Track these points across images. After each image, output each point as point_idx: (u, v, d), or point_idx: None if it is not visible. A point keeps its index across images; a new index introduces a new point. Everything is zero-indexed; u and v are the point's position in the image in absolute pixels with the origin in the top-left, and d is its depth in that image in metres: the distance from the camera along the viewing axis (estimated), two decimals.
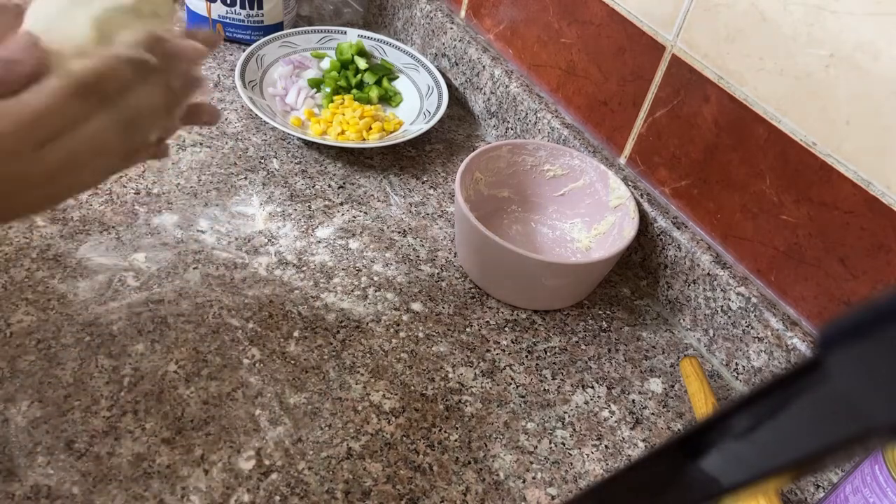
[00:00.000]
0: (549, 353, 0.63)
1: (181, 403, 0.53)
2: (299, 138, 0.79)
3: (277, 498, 0.49)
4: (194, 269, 0.63)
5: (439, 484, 0.52)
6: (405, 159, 0.81)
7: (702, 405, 0.58)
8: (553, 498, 0.53)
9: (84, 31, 0.38)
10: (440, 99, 0.84)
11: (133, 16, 0.40)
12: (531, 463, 0.55)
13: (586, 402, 0.60)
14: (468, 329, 0.64)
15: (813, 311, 0.60)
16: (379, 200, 0.75)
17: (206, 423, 0.52)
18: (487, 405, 0.58)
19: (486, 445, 0.55)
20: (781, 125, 0.58)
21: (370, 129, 0.80)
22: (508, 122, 0.84)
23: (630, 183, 0.71)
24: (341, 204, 0.73)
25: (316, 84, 0.86)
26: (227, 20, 0.90)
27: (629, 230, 0.67)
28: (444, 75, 0.89)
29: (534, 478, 0.54)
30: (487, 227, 0.62)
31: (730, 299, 0.63)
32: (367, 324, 0.62)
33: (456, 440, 0.55)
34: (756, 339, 0.61)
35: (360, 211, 0.73)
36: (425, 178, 0.79)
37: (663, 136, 0.69)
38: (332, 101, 0.84)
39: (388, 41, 0.92)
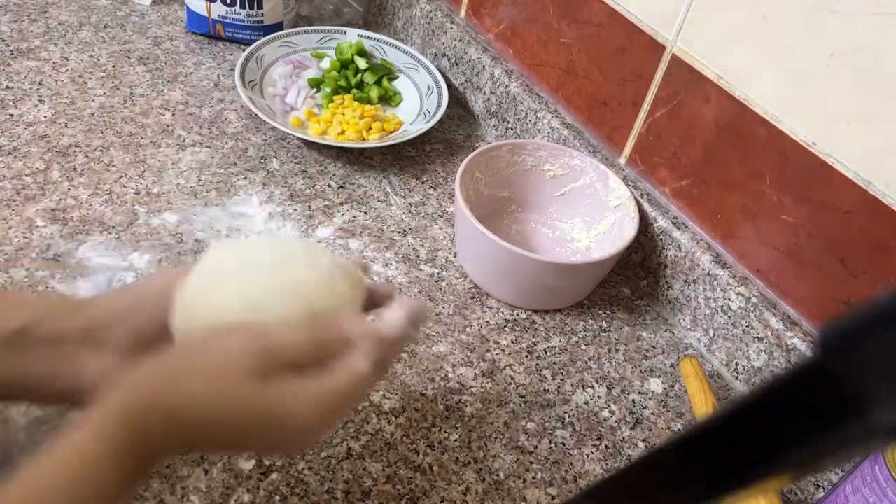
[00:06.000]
0: (549, 353, 0.63)
1: None
2: (299, 138, 0.79)
3: (277, 498, 0.49)
4: None
5: (439, 484, 0.52)
6: (405, 159, 0.81)
7: (702, 405, 0.58)
8: (553, 498, 0.53)
9: (296, 307, 0.40)
10: (440, 99, 0.84)
11: (328, 289, 0.42)
12: (531, 463, 0.55)
13: (586, 402, 0.60)
14: (468, 329, 0.64)
15: (813, 311, 0.60)
16: (379, 200, 0.75)
17: None
18: (487, 405, 0.58)
19: (486, 445, 0.55)
20: (781, 125, 0.58)
21: (370, 129, 0.80)
22: (508, 122, 0.84)
23: (630, 183, 0.71)
24: (341, 204, 0.73)
25: (316, 84, 0.86)
26: (227, 20, 0.90)
27: (629, 230, 0.67)
28: (444, 75, 0.89)
29: (534, 478, 0.54)
30: (487, 227, 0.62)
31: (730, 299, 0.63)
32: None
33: (456, 440, 0.55)
34: (756, 339, 0.61)
35: (360, 211, 0.73)
36: (425, 178, 0.79)
37: (663, 136, 0.69)
38: (332, 101, 0.84)
39: (388, 41, 0.92)
